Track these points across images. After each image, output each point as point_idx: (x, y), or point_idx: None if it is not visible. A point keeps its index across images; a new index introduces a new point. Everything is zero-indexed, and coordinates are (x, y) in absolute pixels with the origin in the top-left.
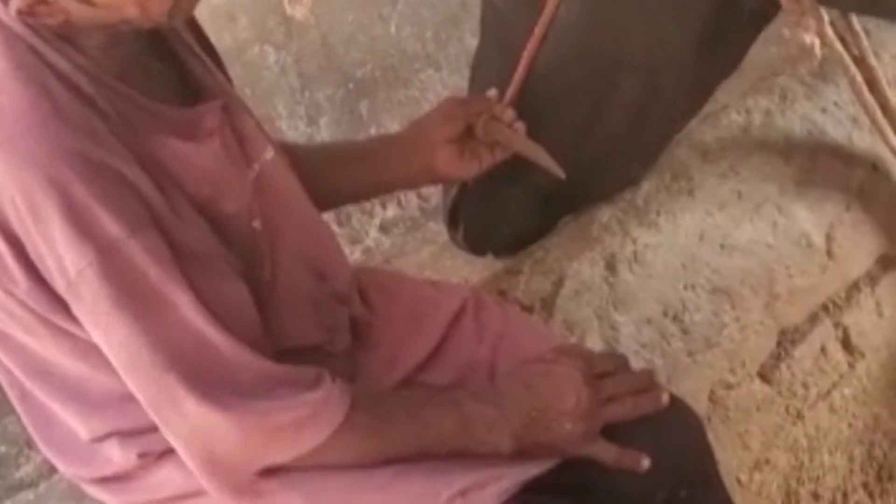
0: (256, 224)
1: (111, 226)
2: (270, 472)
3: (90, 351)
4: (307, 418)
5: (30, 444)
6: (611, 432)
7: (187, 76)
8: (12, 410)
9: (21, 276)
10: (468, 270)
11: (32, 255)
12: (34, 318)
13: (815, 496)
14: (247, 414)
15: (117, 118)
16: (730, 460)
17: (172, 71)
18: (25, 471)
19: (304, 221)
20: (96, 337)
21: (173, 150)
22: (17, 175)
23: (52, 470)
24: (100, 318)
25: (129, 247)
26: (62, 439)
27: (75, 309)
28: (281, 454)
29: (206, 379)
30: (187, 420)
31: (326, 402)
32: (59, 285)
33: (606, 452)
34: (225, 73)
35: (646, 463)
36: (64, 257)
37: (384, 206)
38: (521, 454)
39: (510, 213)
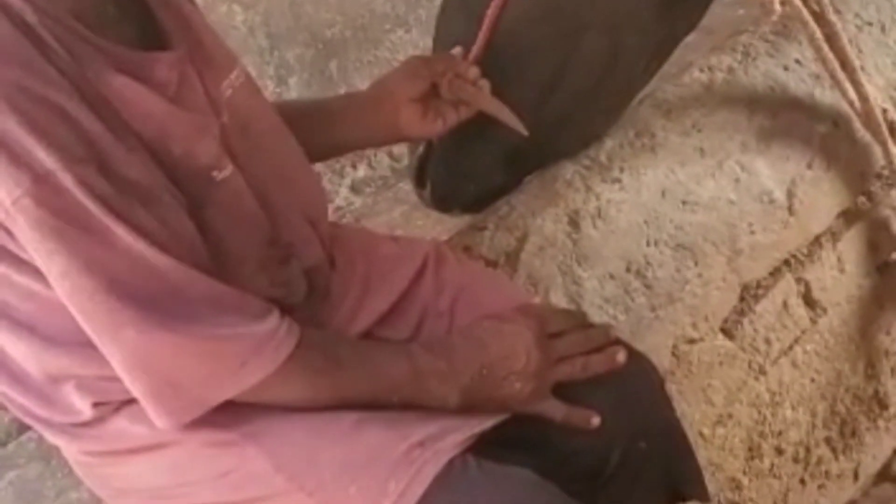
0: (216, 174)
1: (45, 157)
2: (229, 423)
3: (39, 289)
4: (252, 349)
5: None
6: (567, 386)
7: (151, 24)
8: None
9: None
10: (439, 230)
11: None
12: None
13: (778, 451)
14: (188, 336)
15: (63, 52)
16: (693, 415)
17: (135, 16)
18: None
19: (267, 179)
20: (39, 266)
21: (118, 87)
22: None
23: (21, 429)
24: (38, 248)
25: (63, 178)
26: (20, 377)
27: (17, 238)
28: (227, 386)
29: (146, 303)
30: (129, 347)
31: (273, 335)
32: (1, 215)
33: (555, 411)
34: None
35: (595, 421)
36: (0, 188)
37: (355, 167)
38: (469, 409)
39: (476, 170)
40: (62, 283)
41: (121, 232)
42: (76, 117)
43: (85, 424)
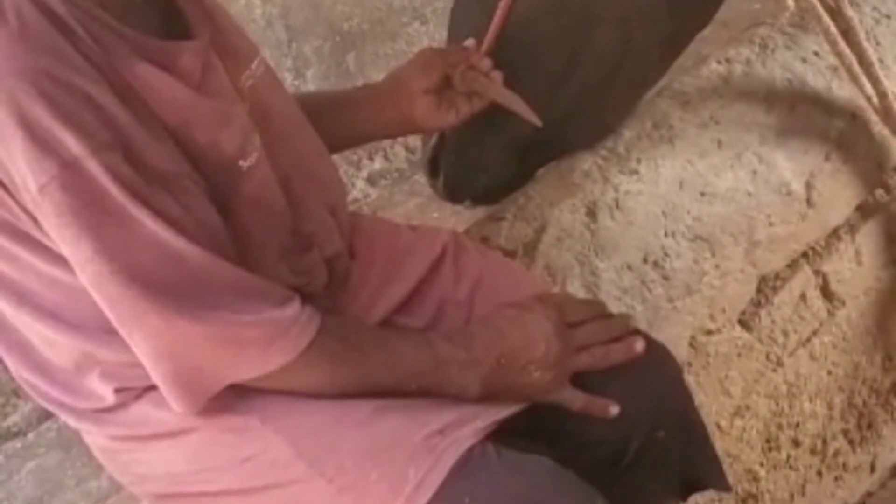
0: (242, 163)
1: (72, 144)
2: (250, 410)
3: (62, 277)
4: (274, 335)
5: (17, 393)
6: (586, 376)
7: (173, 13)
8: None
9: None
10: (455, 222)
11: (2, 171)
12: (9, 240)
13: (795, 442)
14: (212, 323)
15: (89, 40)
16: (710, 406)
17: (158, 5)
18: (13, 420)
19: (287, 169)
20: (64, 253)
21: (144, 76)
22: None
23: (41, 419)
24: (64, 234)
25: (90, 165)
26: (43, 365)
27: (43, 225)
28: (248, 371)
29: (170, 290)
30: (152, 334)
31: (294, 321)
32: (27, 201)
33: (574, 400)
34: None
35: (614, 410)
36: (27, 174)
37: (371, 158)
38: (488, 398)
39: (488, 162)
40: (86, 270)
41: (145, 219)
42: (103, 104)
43: (107, 410)
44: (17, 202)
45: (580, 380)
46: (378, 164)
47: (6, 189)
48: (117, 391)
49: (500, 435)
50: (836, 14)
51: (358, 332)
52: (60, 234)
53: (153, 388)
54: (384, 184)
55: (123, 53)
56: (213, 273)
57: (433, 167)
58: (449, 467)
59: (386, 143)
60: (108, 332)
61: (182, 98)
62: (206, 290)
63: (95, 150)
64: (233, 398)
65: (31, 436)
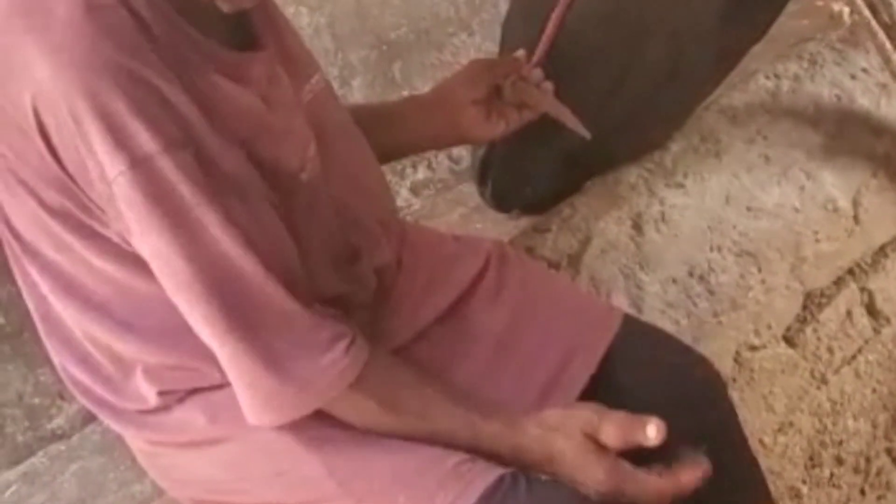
0: (304, 175)
1: (146, 139)
2: (286, 425)
3: (114, 272)
4: (309, 382)
5: (62, 395)
6: (628, 395)
7: (245, 24)
8: (45, 362)
9: (66, 181)
10: (498, 232)
11: (73, 163)
12: (66, 230)
13: (839, 460)
14: (255, 346)
15: (168, 45)
16: (754, 422)
17: (232, 16)
18: (58, 422)
19: (340, 182)
20: (133, 243)
21: (216, 86)
22: (61, 82)
23: (85, 421)
24: (133, 226)
25: (161, 161)
26: (88, 360)
27: (113, 216)
28: (290, 408)
29: (222, 303)
30: (213, 336)
31: (333, 365)
32: (100, 191)
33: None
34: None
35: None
36: (103, 164)
37: (415, 168)
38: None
39: (536, 173)
40: (154, 262)
41: (209, 222)
42: (176, 104)
43: (150, 412)
44: (87, 194)
45: (623, 399)
46: (422, 173)
47: (75, 182)
48: (160, 394)
49: None
50: (892, 30)
51: (398, 387)
52: (129, 226)
53: (195, 392)
54: (427, 193)
55: (200, 64)
56: (264, 295)
57: (482, 175)
58: (477, 495)
59: (430, 152)
60: (156, 332)
61: (252, 110)
62: (255, 310)
63: (168, 147)
64: None
65: (74, 438)
